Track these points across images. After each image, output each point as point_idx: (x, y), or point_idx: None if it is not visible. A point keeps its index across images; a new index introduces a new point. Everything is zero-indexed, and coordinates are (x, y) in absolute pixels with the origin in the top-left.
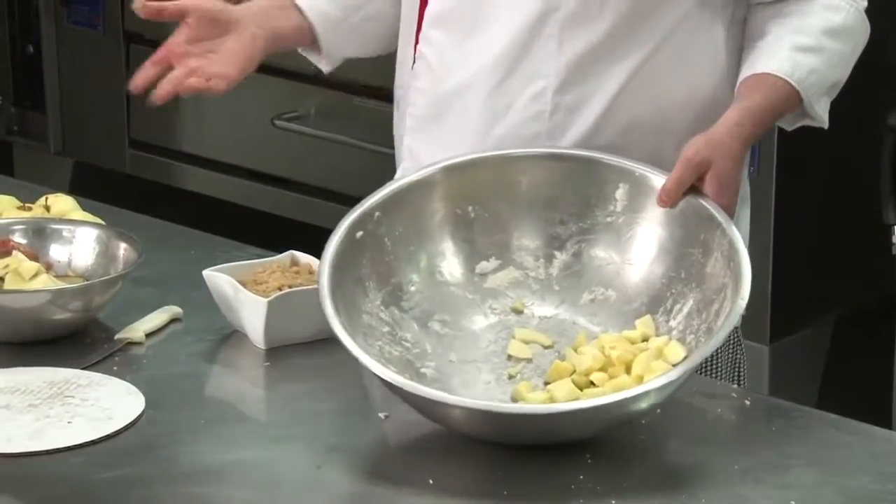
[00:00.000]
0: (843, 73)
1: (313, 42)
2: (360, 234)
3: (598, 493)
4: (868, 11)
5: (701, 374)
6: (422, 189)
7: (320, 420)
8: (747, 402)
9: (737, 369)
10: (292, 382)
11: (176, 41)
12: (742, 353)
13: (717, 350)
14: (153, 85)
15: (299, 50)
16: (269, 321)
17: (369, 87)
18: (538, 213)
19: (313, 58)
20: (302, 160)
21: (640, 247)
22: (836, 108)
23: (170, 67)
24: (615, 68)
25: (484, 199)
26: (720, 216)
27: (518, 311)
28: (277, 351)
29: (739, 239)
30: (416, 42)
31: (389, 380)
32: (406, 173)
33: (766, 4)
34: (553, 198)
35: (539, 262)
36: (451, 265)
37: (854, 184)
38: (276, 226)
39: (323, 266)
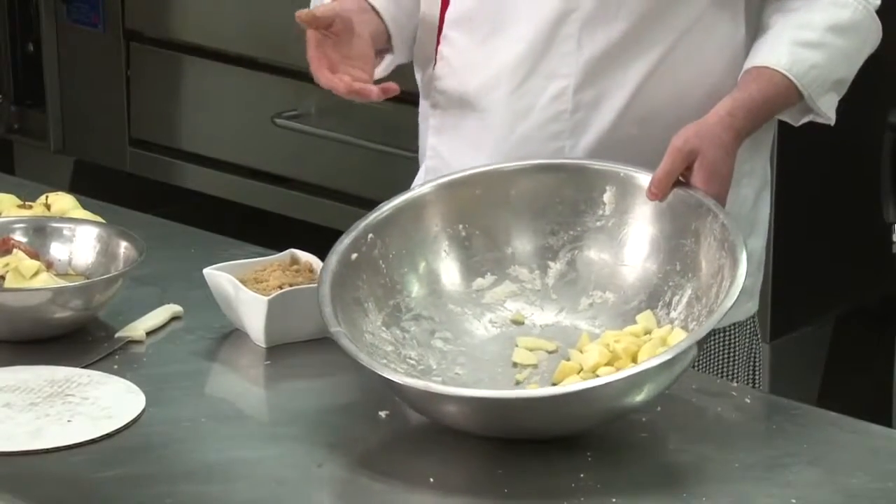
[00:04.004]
0: (849, 69)
1: (383, 48)
2: (354, 255)
3: (598, 491)
4: None
5: (718, 367)
6: (413, 209)
7: (321, 418)
8: (747, 400)
9: (753, 361)
10: (293, 381)
11: (328, 47)
12: (758, 344)
13: (734, 342)
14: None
15: None
16: (270, 319)
17: None
18: (529, 224)
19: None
20: (302, 159)
21: (633, 246)
22: (836, 107)
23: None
24: (634, 65)
25: (475, 216)
26: (709, 202)
27: (519, 323)
28: (278, 349)
29: (732, 221)
30: (438, 44)
31: (393, 378)
32: (429, 174)
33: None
34: (542, 208)
35: (534, 274)
36: (447, 284)
37: (854, 182)
38: (276, 224)
39: (323, 288)
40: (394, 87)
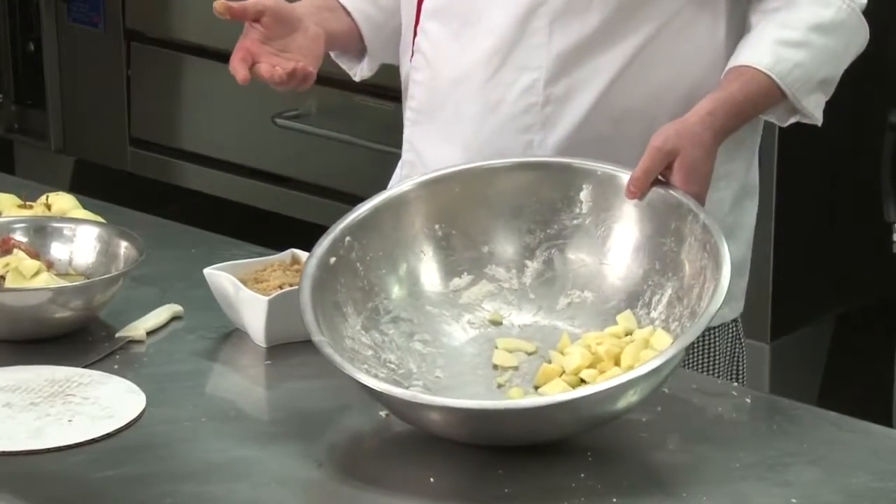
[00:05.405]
0: (834, 69)
1: (357, 46)
2: (333, 259)
3: (598, 492)
4: (867, 10)
5: (699, 368)
6: (390, 209)
7: (321, 418)
8: (748, 400)
9: (735, 364)
10: (293, 381)
11: (251, 40)
12: (741, 348)
13: (715, 344)
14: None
15: (332, 56)
16: (270, 319)
17: (370, 85)
18: (506, 224)
19: (348, 65)
20: (303, 158)
21: (612, 245)
22: (836, 107)
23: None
24: (605, 60)
25: (451, 216)
26: (689, 202)
27: (497, 323)
28: (278, 349)
29: (713, 221)
30: (415, 35)
31: (379, 388)
32: (405, 168)
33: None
34: (519, 207)
35: (511, 273)
36: (424, 285)
37: (855, 182)
38: (276, 224)
39: (304, 293)
40: (303, 70)
